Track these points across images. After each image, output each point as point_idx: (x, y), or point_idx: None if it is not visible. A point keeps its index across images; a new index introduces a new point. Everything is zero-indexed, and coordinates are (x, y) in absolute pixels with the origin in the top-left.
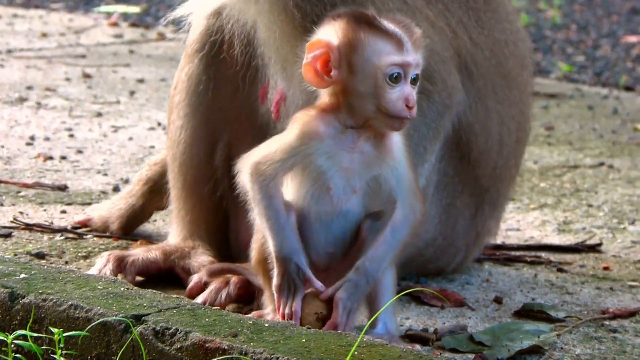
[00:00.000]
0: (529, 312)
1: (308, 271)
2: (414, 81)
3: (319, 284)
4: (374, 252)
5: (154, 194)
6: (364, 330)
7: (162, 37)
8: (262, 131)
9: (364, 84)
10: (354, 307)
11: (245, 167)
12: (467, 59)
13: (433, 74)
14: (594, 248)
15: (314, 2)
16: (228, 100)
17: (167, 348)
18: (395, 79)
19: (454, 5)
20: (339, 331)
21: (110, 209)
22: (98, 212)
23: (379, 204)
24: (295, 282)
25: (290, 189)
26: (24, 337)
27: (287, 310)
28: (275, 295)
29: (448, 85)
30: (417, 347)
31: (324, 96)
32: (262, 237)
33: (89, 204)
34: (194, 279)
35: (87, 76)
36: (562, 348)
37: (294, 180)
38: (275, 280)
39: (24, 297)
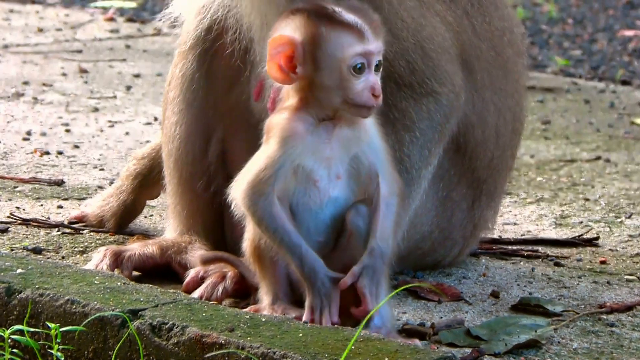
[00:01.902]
0: (526, 307)
1: (336, 275)
2: (377, 67)
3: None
4: (382, 231)
5: (144, 188)
6: (361, 325)
7: (158, 32)
8: (256, 127)
9: (330, 77)
10: (379, 290)
11: (240, 194)
12: (469, 52)
13: (443, 75)
14: (591, 242)
15: None
16: (222, 97)
17: (164, 343)
18: (359, 70)
19: None
20: (335, 326)
21: (103, 207)
22: (91, 209)
23: (362, 184)
24: (326, 294)
25: (278, 187)
26: (21, 332)
27: (328, 324)
28: (313, 312)
29: (456, 86)
30: (415, 341)
31: (292, 92)
32: (254, 233)
33: (86, 198)
34: (191, 274)
35: (83, 71)
36: (559, 342)
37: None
38: (308, 299)
39: (20, 292)
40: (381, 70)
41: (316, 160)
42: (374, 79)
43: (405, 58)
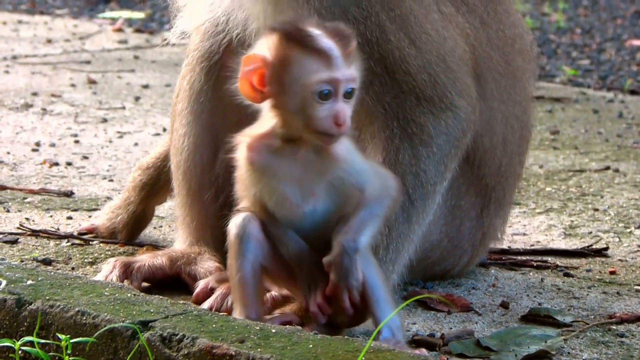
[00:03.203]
0: (535, 317)
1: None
2: (349, 95)
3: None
4: (344, 225)
5: (152, 197)
6: (372, 336)
7: (166, 42)
8: None
9: (294, 101)
10: (350, 282)
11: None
12: (482, 63)
13: (463, 88)
14: (601, 252)
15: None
16: (230, 108)
17: (175, 354)
18: (325, 96)
19: (477, 4)
20: (345, 337)
21: (113, 219)
22: (101, 221)
23: (347, 197)
24: (312, 277)
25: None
26: (31, 344)
27: (313, 308)
28: (302, 299)
29: (473, 99)
30: (424, 352)
31: (264, 111)
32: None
33: (95, 209)
34: (200, 285)
35: (92, 82)
36: (569, 353)
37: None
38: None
39: (31, 304)
40: (354, 98)
41: (281, 179)
42: (339, 107)
43: (428, 71)
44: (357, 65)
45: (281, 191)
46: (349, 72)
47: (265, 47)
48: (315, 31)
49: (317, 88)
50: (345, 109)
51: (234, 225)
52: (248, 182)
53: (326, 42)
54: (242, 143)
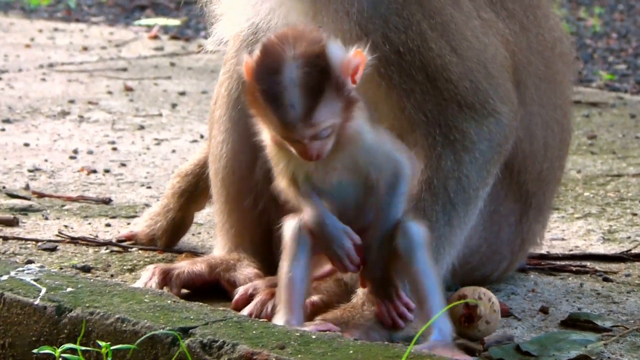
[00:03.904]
0: (575, 322)
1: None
2: (323, 137)
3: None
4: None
5: (191, 204)
6: (413, 341)
7: (202, 49)
8: None
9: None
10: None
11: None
12: (522, 69)
13: (505, 94)
14: (639, 257)
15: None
16: None
17: None
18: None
19: (516, 9)
20: (385, 343)
21: (152, 226)
22: (140, 228)
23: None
24: (343, 245)
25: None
26: (72, 351)
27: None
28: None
29: (514, 104)
30: (466, 357)
31: None
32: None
33: (133, 217)
34: (240, 291)
35: (128, 89)
36: (609, 358)
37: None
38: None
39: (71, 311)
40: (332, 134)
41: (303, 161)
42: (308, 147)
43: (469, 78)
44: (332, 107)
45: (306, 165)
46: (311, 132)
47: (248, 64)
48: (287, 76)
49: (279, 138)
50: (315, 147)
51: (289, 228)
52: (276, 160)
53: (290, 97)
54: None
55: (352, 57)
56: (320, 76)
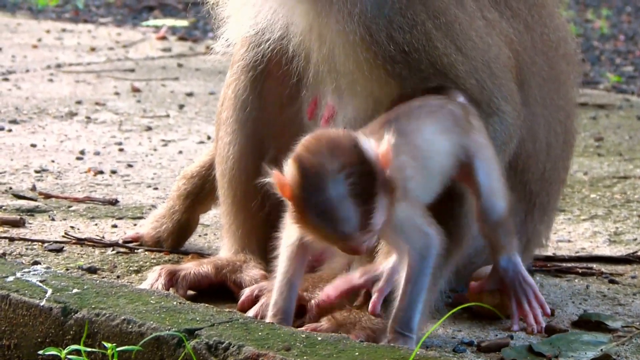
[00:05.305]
0: (586, 323)
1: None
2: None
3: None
4: (395, 308)
5: (197, 206)
6: (419, 344)
7: (210, 50)
8: None
9: None
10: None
11: None
12: (526, 69)
13: (509, 93)
14: None
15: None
16: (274, 116)
17: None
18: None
19: (521, 8)
20: (391, 345)
21: (158, 228)
22: (146, 229)
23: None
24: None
25: None
26: (78, 352)
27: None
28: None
29: (518, 104)
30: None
31: None
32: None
33: (140, 218)
34: (246, 293)
35: (136, 90)
36: (626, 357)
37: None
38: None
39: (76, 312)
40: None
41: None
42: (357, 247)
43: (475, 77)
44: (380, 214)
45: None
46: (369, 236)
47: (286, 178)
48: (336, 192)
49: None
50: (366, 244)
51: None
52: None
53: (343, 211)
54: None
55: (382, 146)
56: (368, 182)
